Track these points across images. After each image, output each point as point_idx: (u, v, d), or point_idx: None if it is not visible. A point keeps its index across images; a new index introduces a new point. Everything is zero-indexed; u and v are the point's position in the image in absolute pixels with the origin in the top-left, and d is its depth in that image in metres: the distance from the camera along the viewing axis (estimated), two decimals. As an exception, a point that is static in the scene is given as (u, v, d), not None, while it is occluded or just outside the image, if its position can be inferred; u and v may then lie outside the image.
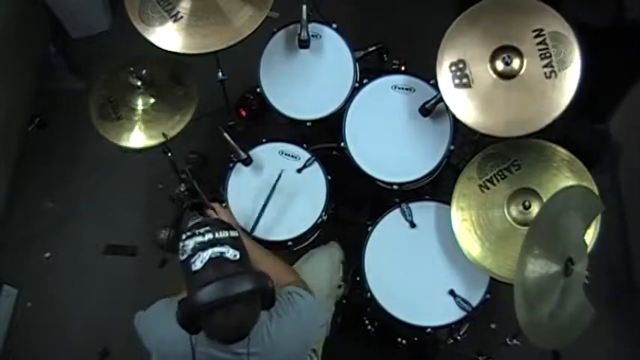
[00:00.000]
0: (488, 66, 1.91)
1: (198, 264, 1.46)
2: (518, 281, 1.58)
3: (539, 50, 1.86)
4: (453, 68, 1.92)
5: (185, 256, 1.50)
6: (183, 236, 1.54)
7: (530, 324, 1.60)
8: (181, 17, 2.07)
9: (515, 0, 1.91)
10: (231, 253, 1.48)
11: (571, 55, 1.84)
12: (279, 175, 2.17)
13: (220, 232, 1.52)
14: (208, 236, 1.50)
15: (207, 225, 1.53)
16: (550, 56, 1.85)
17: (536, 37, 1.87)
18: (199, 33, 2.06)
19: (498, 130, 1.89)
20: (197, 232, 1.52)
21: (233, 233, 1.55)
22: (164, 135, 2.16)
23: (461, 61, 1.92)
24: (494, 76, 1.90)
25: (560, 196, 1.69)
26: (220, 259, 1.47)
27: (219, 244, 1.48)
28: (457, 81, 1.92)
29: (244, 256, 1.52)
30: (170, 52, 2.06)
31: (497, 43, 1.90)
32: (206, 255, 1.46)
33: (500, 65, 1.89)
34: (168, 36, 2.06)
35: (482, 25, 1.92)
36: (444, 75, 1.93)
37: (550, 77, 1.85)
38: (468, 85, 1.91)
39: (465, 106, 1.91)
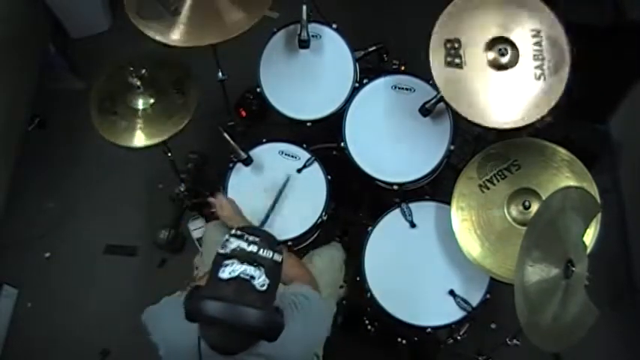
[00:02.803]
0: (483, 52, 1.91)
1: (226, 273, 1.41)
2: (519, 286, 1.58)
3: (535, 50, 1.87)
4: (448, 45, 1.91)
5: (222, 252, 1.45)
6: (233, 231, 1.49)
7: (533, 328, 1.59)
8: (180, 12, 2.07)
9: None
10: (261, 280, 1.41)
11: (562, 64, 1.84)
12: (286, 181, 2.16)
13: (265, 251, 1.45)
14: (252, 248, 1.44)
15: (258, 236, 1.47)
16: (543, 59, 1.86)
17: (534, 37, 1.87)
18: (198, 26, 2.05)
19: (476, 116, 1.88)
20: (246, 236, 1.46)
21: (277, 257, 1.47)
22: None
23: (457, 40, 1.91)
24: (487, 63, 1.90)
25: (556, 197, 1.69)
26: (247, 283, 1.41)
27: (256, 264, 1.42)
28: (449, 59, 1.91)
29: (272, 287, 1.45)
30: (169, 46, 2.05)
31: (496, 32, 1.90)
32: (237, 269, 1.41)
33: (494, 54, 1.89)
34: (166, 30, 2.04)
35: (485, 12, 1.92)
36: (438, 50, 1.92)
37: (539, 79, 1.86)
38: (459, 66, 1.90)
39: (451, 86, 1.91)
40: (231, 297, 1.39)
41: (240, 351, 1.48)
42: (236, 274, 1.40)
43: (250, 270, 1.41)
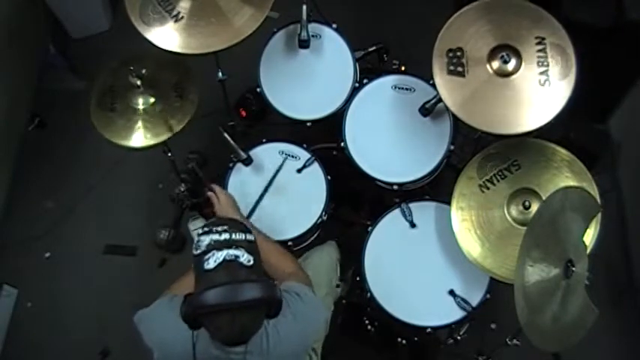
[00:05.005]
0: (486, 60, 1.91)
1: (211, 263, 1.43)
2: (519, 286, 1.58)
3: (538, 57, 1.87)
4: (451, 54, 1.92)
5: (199, 252, 1.47)
6: (200, 230, 1.51)
7: (533, 328, 1.59)
8: (182, 17, 2.07)
9: (524, 4, 1.91)
10: (245, 257, 1.45)
11: (567, 70, 1.84)
12: (281, 165, 2.16)
13: (237, 234, 1.49)
14: (225, 236, 1.47)
15: (225, 224, 1.51)
16: (547, 65, 1.87)
17: (538, 44, 1.88)
18: (200, 33, 2.05)
19: (481, 124, 1.89)
20: (214, 229, 1.49)
21: (250, 236, 1.52)
22: (170, 129, 2.15)
23: (460, 49, 1.92)
24: (490, 71, 1.91)
25: (556, 197, 1.69)
26: (234, 262, 1.44)
27: (234, 246, 1.45)
28: (452, 67, 1.92)
29: (258, 262, 1.50)
30: (171, 52, 2.06)
31: (499, 40, 1.91)
32: (220, 256, 1.44)
33: (497, 62, 1.90)
34: (168, 36, 2.06)
35: (488, 20, 1.92)
36: (440, 59, 1.93)
37: (544, 85, 1.86)
38: (461, 74, 1.91)
39: (453, 94, 1.91)
40: (225, 280, 1.42)
41: (252, 334, 1.49)
42: (221, 259, 1.43)
43: (232, 251, 1.44)
